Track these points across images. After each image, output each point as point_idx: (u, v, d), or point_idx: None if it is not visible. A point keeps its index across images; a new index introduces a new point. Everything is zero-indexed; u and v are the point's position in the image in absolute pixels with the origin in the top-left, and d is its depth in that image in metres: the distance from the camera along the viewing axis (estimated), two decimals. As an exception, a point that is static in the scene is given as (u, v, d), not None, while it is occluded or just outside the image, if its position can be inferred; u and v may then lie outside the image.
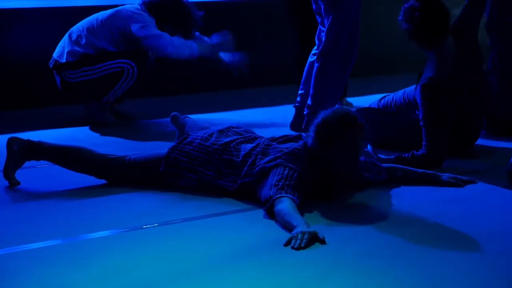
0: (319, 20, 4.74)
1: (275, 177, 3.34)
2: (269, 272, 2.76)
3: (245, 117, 5.39)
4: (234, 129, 3.80)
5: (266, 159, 3.46)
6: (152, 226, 3.25)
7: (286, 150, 3.46)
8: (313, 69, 4.70)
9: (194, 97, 6.08)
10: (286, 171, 3.35)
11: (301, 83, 4.79)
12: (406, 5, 4.13)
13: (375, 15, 6.91)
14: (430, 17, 4.05)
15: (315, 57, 4.71)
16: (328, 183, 3.49)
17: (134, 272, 2.78)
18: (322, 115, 3.45)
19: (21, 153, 3.78)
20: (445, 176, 3.76)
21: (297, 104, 4.78)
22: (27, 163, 3.86)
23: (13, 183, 3.79)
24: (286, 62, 5.45)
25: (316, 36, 4.78)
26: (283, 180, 3.31)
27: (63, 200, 3.61)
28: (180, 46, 5.12)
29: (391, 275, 2.73)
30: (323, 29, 4.70)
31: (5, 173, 3.79)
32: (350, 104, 5.76)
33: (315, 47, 4.78)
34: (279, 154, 3.45)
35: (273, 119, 5.34)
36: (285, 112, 5.01)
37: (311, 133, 3.45)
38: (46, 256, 2.94)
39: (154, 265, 2.84)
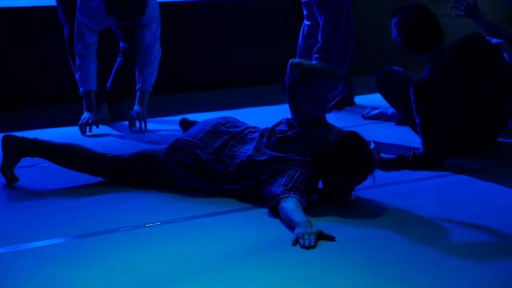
0: (305, 13, 4.76)
1: (285, 178, 3.40)
2: (271, 271, 2.83)
3: (245, 117, 5.39)
4: (222, 127, 3.81)
5: (274, 168, 3.50)
6: (155, 225, 3.31)
7: (295, 163, 3.50)
8: None
9: (193, 96, 6.09)
10: (297, 175, 3.42)
11: None
12: (395, 20, 4.19)
13: (379, 13, 6.95)
14: (422, 25, 4.13)
15: (301, 57, 4.76)
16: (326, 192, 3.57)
17: (136, 271, 2.84)
18: (336, 139, 3.46)
19: (16, 150, 3.84)
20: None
21: None
22: (28, 162, 3.92)
23: (11, 181, 3.85)
24: (286, 61, 5.47)
25: (301, 31, 4.80)
26: (292, 182, 3.38)
27: (64, 199, 3.67)
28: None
29: (393, 274, 2.79)
30: (308, 23, 4.74)
31: (3, 172, 3.85)
32: (353, 103, 5.78)
33: (300, 47, 4.80)
34: (285, 164, 3.50)
35: (273, 118, 5.33)
36: (286, 112, 5.02)
37: (319, 150, 3.47)
38: (48, 255, 3.01)
39: (157, 264, 2.90)
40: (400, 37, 4.17)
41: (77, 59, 4.97)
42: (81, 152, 3.84)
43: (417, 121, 4.07)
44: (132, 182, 3.78)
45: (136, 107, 5.05)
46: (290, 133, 3.68)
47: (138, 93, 5.09)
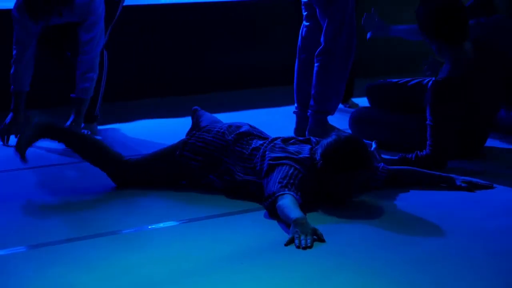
0: (304, 14, 4.80)
1: (280, 174, 3.46)
2: (273, 272, 2.87)
3: (246, 118, 5.38)
4: (251, 127, 3.89)
5: (273, 155, 3.57)
6: (157, 227, 3.35)
7: (295, 156, 3.56)
8: (301, 72, 4.79)
9: (194, 98, 6.10)
10: (291, 170, 3.47)
11: (294, 88, 4.86)
12: (424, 5, 4.22)
13: (382, 15, 6.98)
14: (450, 13, 4.15)
15: (301, 60, 4.81)
16: (326, 193, 3.61)
17: (138, 272, 2.89)
18: (337, 140, 3.51)
19: (40, 127, 3.85)
20: (459, 180, 3.82)
21: (295, 110, 4.86)
22: (33, 164, 3.97)
23: (22, 156, 3.81)
24: (287, 62, 5.50)
25: (300, 33, 4.84)
26: (287, 178, 3.43)
27: (67, 201, 3.71)
28: None
29: (394, 275, 2.83)
30: (307, 23, 4.78)
31: (18, 145, 3.82)
32: (355, 105, 5.83)
33: (300, 48, 4.84)
34: (285, 155, 3.56)
35: (275, 120, 5.37)
36: (287, 114, 5.06)
37: (320, 151, 3.53)
38: (50, 256, 3.04)
39: (159, 266, 2.94)
40: (427, 21, 4.18)
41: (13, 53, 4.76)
42: (104, 148, 3.87)
43: (428, 121, 4.10)
44: (146, 181, 3.80)
45: (68, 122, 4.70)
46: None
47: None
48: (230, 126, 3.84)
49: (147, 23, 6.15)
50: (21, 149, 3.83)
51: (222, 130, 3.79)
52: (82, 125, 4.78)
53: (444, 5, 4.17)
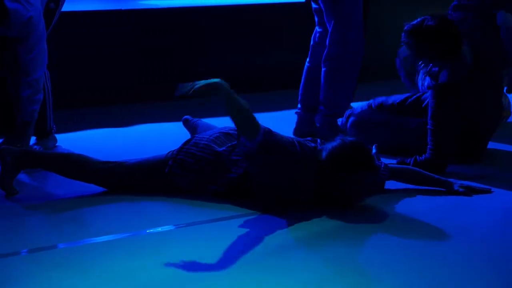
0: (316, 20, 4.81)
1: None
2: (270, 277, 2.89)
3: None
4: (233, 130, 3.87)
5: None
6: (156, 231, 3.37)
7: (297, 140, 3.60)
8: (310, 74, 4.79)
9: (195, 101, 6.10)
10: (285, 138, 3.56)
11: (300, 89, 4.87)
12: (410, 39, 4.20)
13: (380, 19, 6.99)
14: (441, 33, 4.14)
15: (311, 64, 4.81)
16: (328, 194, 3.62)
17: (137, 276, 2.91)
18: (341, 144, 3.55)
19: (15, 162, 3.78)
20: (457, 184, 3.84)
21: (298, 111, 4.86)
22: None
23: (11, 193, 3.79)
24: (288, 65, 5.50)
25: (312, 37, 4.85)
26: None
27: (66, 206, 3.72)
28: None
29: (393, 280, 2.86)
30: (319, 30, 4.78)
31: (2, 185, 3.78)
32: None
33: (311, 52, 4.85)
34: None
35: (277, 124, 5.37)
36: (290, 117, 5.08)
37: (326, 153, 3.55)
38: (50, 260, 3.07)
39: (157, 270, 2.96)
40: (424, 51, 4.18)
41: None
42: (85, 161, 3.81)
43: (429, 125, 4.13)
44: (137, 188, 3.80)
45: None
46: None
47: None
48: (217, 137, 3.81)
49: (149, 26, 6.17)
50: (5, 187, 3.79)
51: (211, 144, 3.76)
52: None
53: (431, 28, 4.13)
